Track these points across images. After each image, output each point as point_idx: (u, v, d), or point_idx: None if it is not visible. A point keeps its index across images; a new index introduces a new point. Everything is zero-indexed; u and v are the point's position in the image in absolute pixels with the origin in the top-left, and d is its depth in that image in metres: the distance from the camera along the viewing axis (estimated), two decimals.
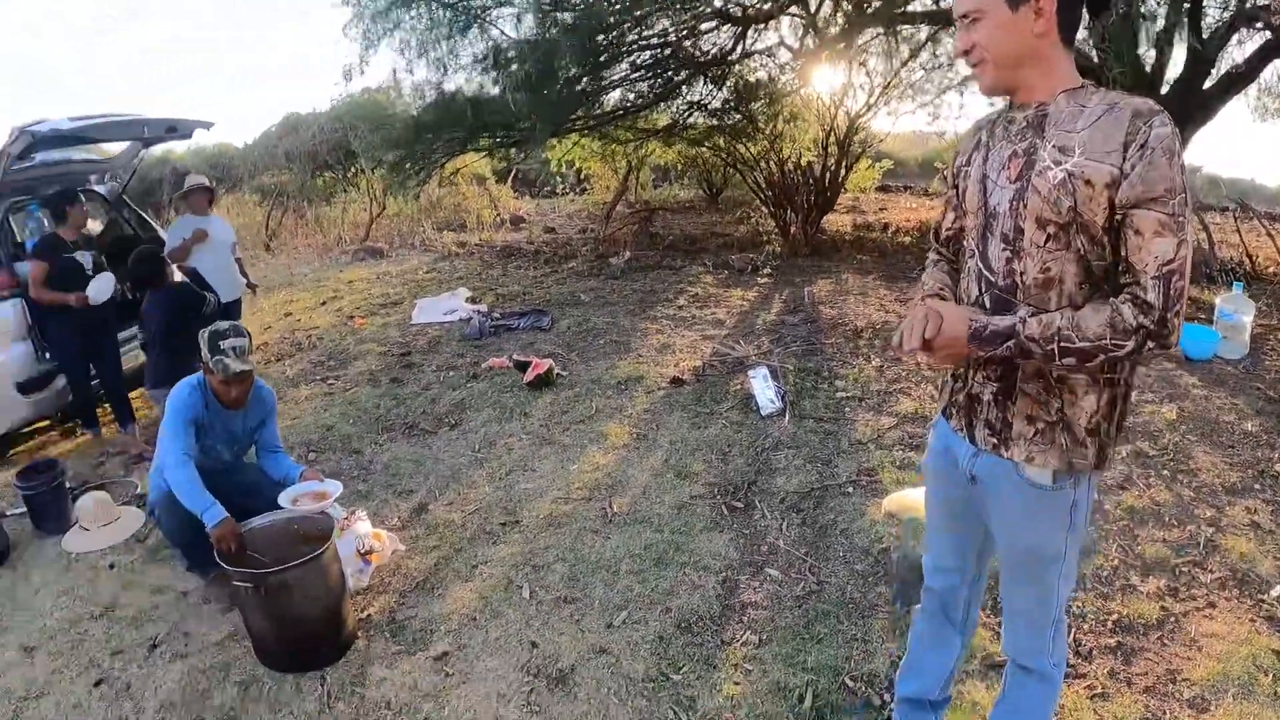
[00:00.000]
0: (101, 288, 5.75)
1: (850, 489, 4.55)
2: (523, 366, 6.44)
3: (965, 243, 2.11)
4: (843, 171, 11.27)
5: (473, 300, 9.01)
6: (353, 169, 17.07)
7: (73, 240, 5.78)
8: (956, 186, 2.20)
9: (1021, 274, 1.89)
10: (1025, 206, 1.86)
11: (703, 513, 4.41)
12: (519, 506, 4.59)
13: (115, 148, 7.25)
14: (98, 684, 3.54)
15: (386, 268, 11.89)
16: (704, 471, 4.85)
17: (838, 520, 4.23)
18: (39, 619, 4.09)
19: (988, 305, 1.98)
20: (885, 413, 5.48)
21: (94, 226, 6.71)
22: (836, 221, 12.81)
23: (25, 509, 4.97)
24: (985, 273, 1.99)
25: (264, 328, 8.99)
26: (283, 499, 3.74)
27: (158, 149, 7.17)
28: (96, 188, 7.19)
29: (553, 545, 4.17)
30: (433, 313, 8.60)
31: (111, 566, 4.45)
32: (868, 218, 13.44)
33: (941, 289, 2.19)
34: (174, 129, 6.47)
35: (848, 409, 5.59)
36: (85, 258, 5.80)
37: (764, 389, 5.63)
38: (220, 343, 3.67)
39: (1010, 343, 1.81)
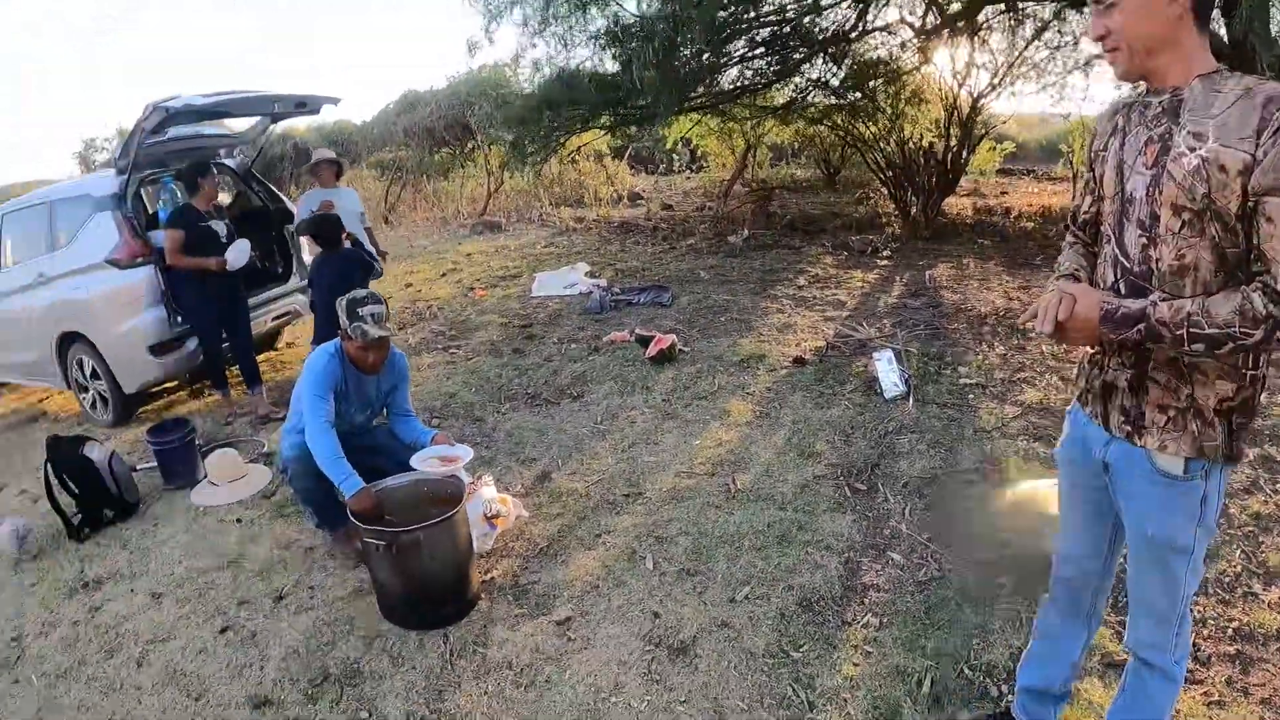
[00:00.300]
0: (239, 254, 5.99)
1: (974, 477, 4.40)
2: (645, 341, 6.45)
3: (1102, 228, 2.07)
4: (965, 153, 10.89)
5: (592, 275, 9.07)
6: (470, 145, 17.30)
7: (206, 210, 6.04)
8: (1094, 171, 2.14)
9: (1157, 260, 1.86)
10: (1160, 193, 1.82)
11: (826, 493, 4.34)
12: (642, 478, 4.60)
13: (243, 123, 7.52)
14: (223, 631, 3.72)
15: (504, 242, 12.07)
16: (827, 452, 4.77)
17: (961, 508, 4.07)
18: (167, 568, 4.33)
19: (1123, 290, 1.94)
20: (1009, 401, 5.27)
21: (224, 198, 6.98)
22: (957, 204, 12.45)
23: (156, 464, 5.26)
24: (1121, 258, 1.96)
25: (385, 298, 9.21)
26: (414, 461, 3.80)
27: (278, 126, 7.35)
28: (226, 161, 7.50)
29: (676, 518, 4.17)
30: (553, 286, 8.68)
31: (238, 521, 4.67)
32: (988, 201, 13.02)
33: (1076, 270, 2.17)
34: (303, 104, 6.70)
35: (971, 396, 5.41)
36: (219, 226, 6.07)
37: (888, 372, 5.52)
38: (359, 309, 3.72)
39: (1140, 326, 1.78)
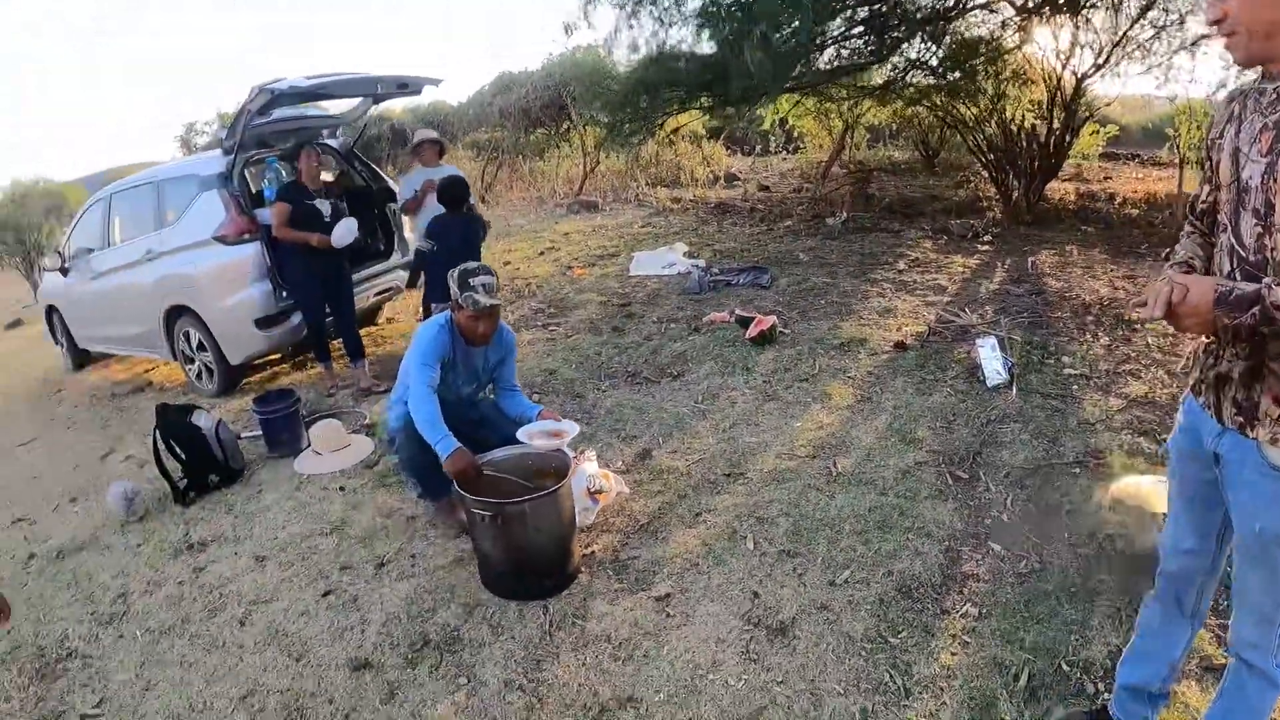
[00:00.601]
0: (346, 231, 6.17)
1: (1077, 470, 4.28)
2: (745, 322, 6.45)
3: (1218, 216, 2.02)
4: (1068, 136, 10.51)
5: (690, 255, 9.07)
6: (565, 125, 17.39)
7: (313, 189, 6.22)
8: (1210, 159, 2.08)
9: (1272, 249, 1.81)
10: (1275, 181, 1.77)
11: (927, 480, 4.30)
12: (742, 459, 4.63)
13: (345, 105, 7.70)
14: (325, 594, 3.87)
15: (601, 221, 12.15)
16: (928, 438, 4.72)
17: (1063, 501, 3.93)
18: (270, 532, 4.51)
19: (1238, 280, 1.88)
20: (1114, 394, 5.11)
21: (327, 177, 7.20)
22: (1059, 189, 12.04)
23: (261, 433, 5.49)
24: (1237, 247, 1.91)
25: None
26: (520, 435, 3.85)
27: (376, 108, 7.50)
28: (329, 141, 7.74)
29: (776, 499, 4.19)
30: (651, 265, 8.72)
31: (341, 489, 4.83)
32: (1091, 186, 12.57)
33: (1190, 259, 2.14)
34: (405, 85, 6.83)
35: (1075, 387, 5.26)
36: (324, 205, 6.25)
37: (991, 359, 5.42)
38: (470, 279, 3.79)
39: (1256, 309, 1.72)
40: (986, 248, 9.04)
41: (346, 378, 6.63)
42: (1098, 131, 13.14)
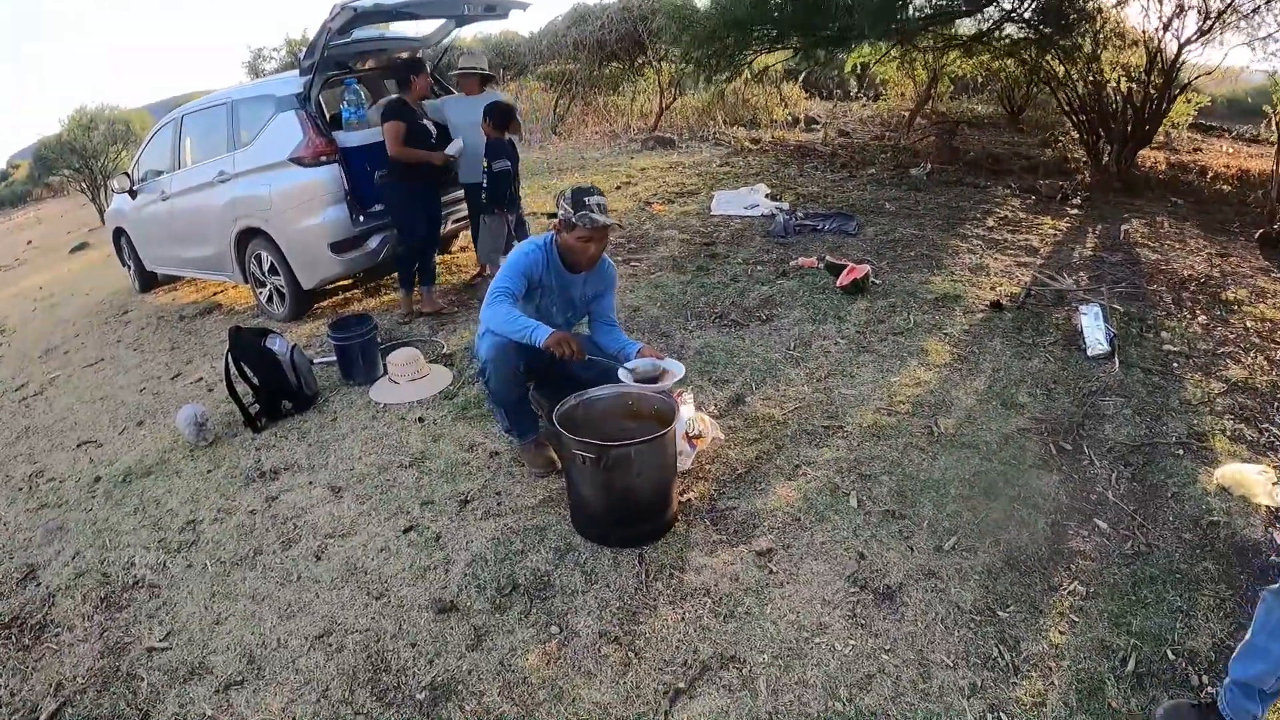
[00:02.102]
0: (456, 149, 5.92)
1: (1180, 451, 4.01)
2: (835, 269, 6.15)
3: None
4: (1164, 103, 9.88)
5: (772, 197, 8.73)
6: (640, 60, 16.90)
7: (416, 108, 5.94)
8: None
9: None
10: None
11: (1031, 448, 4.04)
12: (841, 411, 4.38)
13: (427, 27, 7.34)
14: (406, 531, 3.64)
15: (678, 158, 11.76)
16: (1029, 404, 4.45)
17: (1168, 482, 3.70)
18: (346, 463, 4.28)
19: None
20: (1214, 376, 4.79)
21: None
22: (1149, 157, 11.45)
23: (335, 359, 5.25)
24: None
25: (552, 212, 9.10)
26: (621, 374, 3.64)
27: (449, 35, 7.13)
28: None
29: (878, 456, 3.95)
30: (733, 205, 8.40)
31: (420, 420, 4.61)
32: (1181, 157, 11.95)
33: None
34: (493, 7, 6.46)
35: (1175, 365, 4.93)
36: (429, 125, 5.95)
37: (1094, 328, 5.09)
38: (585, 198, 3.54)
39: None
40: (1076, 211, 8.59)
41: (419, 302, 6.42)
42: (1189, 100, 12.39)
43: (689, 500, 3.70)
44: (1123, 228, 7.74)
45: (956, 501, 3.63)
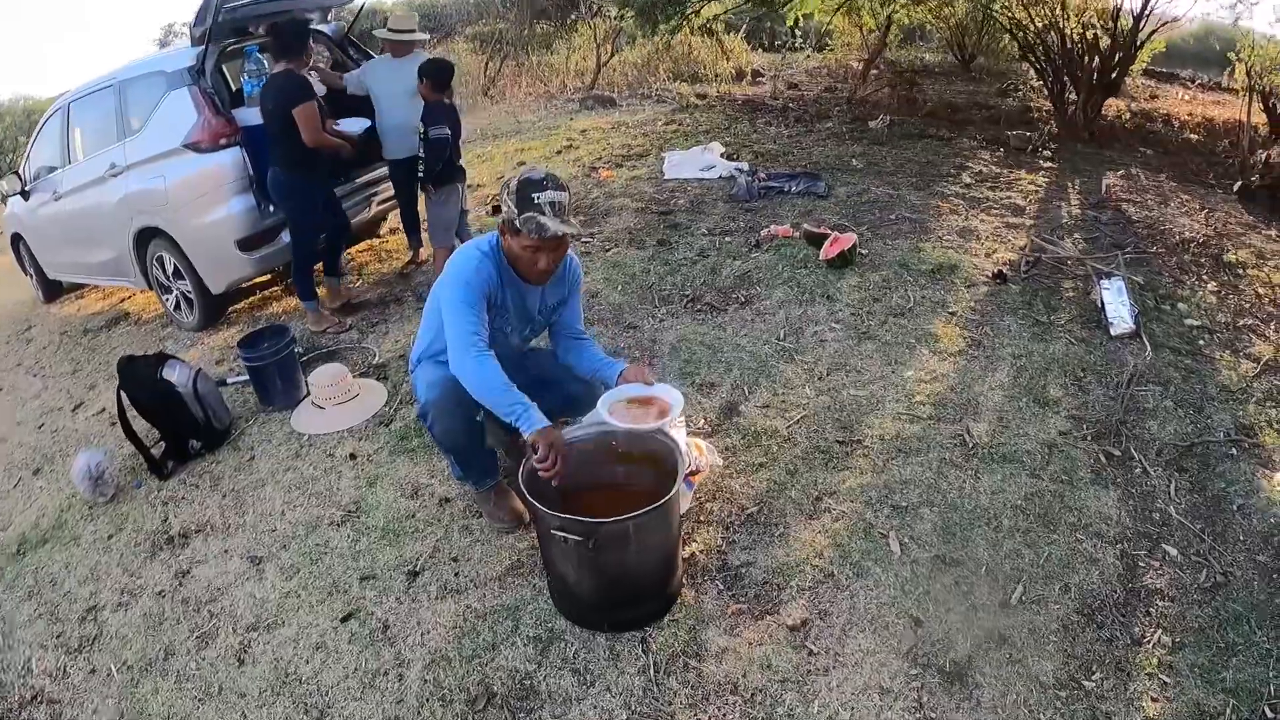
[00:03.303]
0: (360, 124, 4.99)
1: (1234, 451, 3.47)
2: (816, 239, 5.40)
3: None
4: (1133, 50, 9.28)
5: (729, 156, 7.93)
6: (573, 15, 15.84)
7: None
8: None
9: None
10: None
11: (1079, 458, 3.41)
12: (854, 419, 3.66)
13: None
14: (346, 619, 2.82)
15: (620, 118, 10.84)
16: (1063, 400, 3.81)
17: (1230, 492, 3.20)
18: (267, 521, 3.42)
19: None
20: (1242, 354, 4.27)
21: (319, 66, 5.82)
22: (1110, 105, 10.90)
23: (249, 379, 4.32)
24: None
25: (496, 177, 8.17)
26: (603, 407, 2.79)
27: None
28: (320, 28, 6.20)
29: (911, 480, 3.24)
30: (687, 167, 7.57)
31: (353, 457, 3.75)
32: (1141, 105, 11.44)
33: None
34: None
35: (1201, 341, 4.38)
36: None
37: (1118, 305, 4.47)
38: (535, 195, 2.57)
39: None
40: (1049, 164, 7.99)
41: (327, 299, 5.40)
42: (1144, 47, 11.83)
43: (693, 555, 2.92)
44: (1104, 183, 7.15)
45: (1012, 536, 2.96)
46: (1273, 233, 6.26)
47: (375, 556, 3.08)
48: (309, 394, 4.17)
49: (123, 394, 3.88)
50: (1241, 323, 4.63)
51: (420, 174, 5.07)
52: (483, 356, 2.59)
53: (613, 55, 14.55)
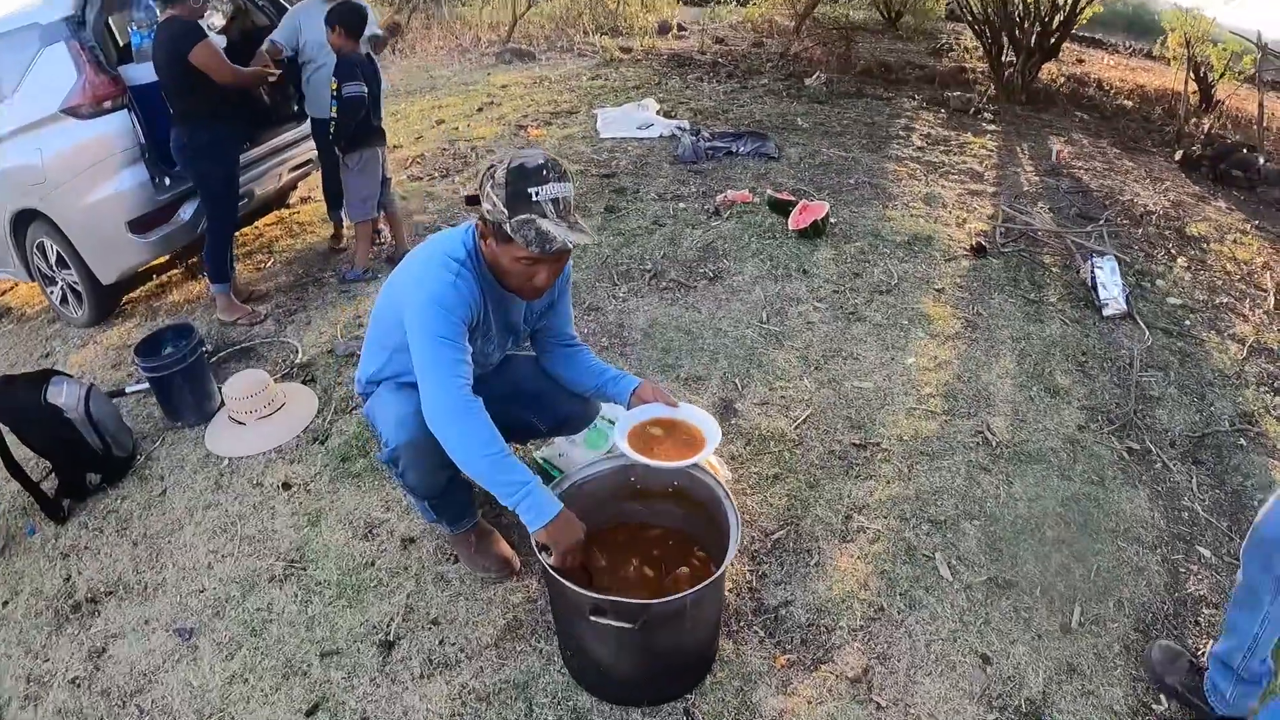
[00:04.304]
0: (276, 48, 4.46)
1: (1242, 441, 3.39)
2: (781, 207, 5.09)
3: None
4: (1073, 13, 9.23)
5: (666, 114, 7.53)
6: None
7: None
8: None
9: None
10: None
11: (1104, 455, 3.25)
12: (865, 416, 3.37)
13: None
14: (312, 712, 2.24)
15: (541, 72, 10.27)
16: (1072, 389, 3.64)
17: (1248, 485, 3.12)
18: (191, 576, 2.78)
19: None
20: (1227, 335, 4.22)
21: (216, 20, 5.11)
22: (1046, 71, 10.91)
23: (151, 388, 3.67)
24: None
25: (415, 137, 7.56)
26: (621, 437, 2.26)
27: None
28: None
29: (942, 487, 2.99)
30: (622, 126, 7.16)
31: (286, 486, 3.14)
32: (1071, 69, 11.51)
33: None
34: None
35: (1187, 322, 4.31)
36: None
37: (1111, 285, 4.33)
38: (532, 190, 1.93)
39: None
40: (993, 127, 7.90)
41: (254, 283, 4.78)
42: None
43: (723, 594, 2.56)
44: (1054, 149, 7.10)
45: (1058, 549, 2.76)
46: (1222, 205, 6.31)
47: (334, 623, 2.50)
48: (224, 405, 3.58)
49: (1, 426, 3.19)
50: (1219, 301, 4.59)
51: (332, 137, 4.49)
52: (469, 411, 2.01)
53: (529, 7, 13.86)
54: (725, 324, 4.02)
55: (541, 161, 1.96)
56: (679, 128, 6.93)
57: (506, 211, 1.94)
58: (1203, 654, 2.36)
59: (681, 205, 5.42)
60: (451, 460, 2.05)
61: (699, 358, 3.75)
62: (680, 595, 1.91)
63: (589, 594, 1.90)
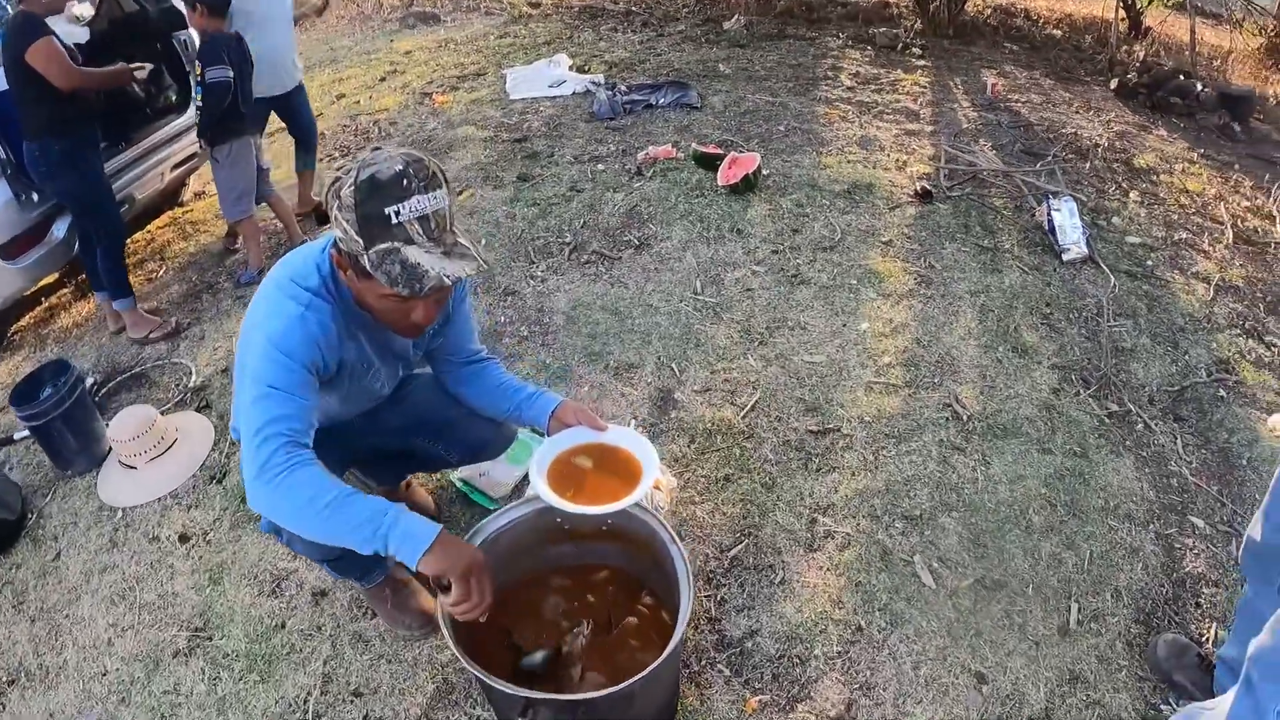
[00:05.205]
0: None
1: (1222, 393, 3.24)
2: (705, 160, 4.74)
3: None
4: None
5: (580, 69, 7.10)
6: None
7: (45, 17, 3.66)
8: None
9: None
10: None
11: (1083, 421, 3.04)
12: (821, 398, 3.07)
13: None
14: None
15: (446, 34, 9.69)
16: (1041, 346, 3.41)
17: (1232, 443, 2.98)
18: (94, 658, 2.38)
19: None
20: (1189, 274, 4.04)
21: (82, 10, 4.49)
22: (969, 1, 10.69)
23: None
24: None
25: (314, 115, 6.98)
26: (538, 474, 1.84)
27: None
28: None
29: (914, 476, 2.72)
30: (534, 85, 6.71)
31: (184, 539, 2.73)
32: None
33: None
34: None
35: (1149, 262, 4.12)
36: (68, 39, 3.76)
37: (1072, 228, 4.10)
38: (391, 209, 1.50)
39: None
40: (923, 63, 7.63)
41: (145, 296, 4.20)
42: None
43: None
44: (988, 83, 6.85)
45: (1047, 537, 2.54)
46: (1164, 133, 6.18)
47: (247, 704, 2.16)
48: (112, 449, 3.08)
49: None
50: (1177, 237, 4.42)
51: (197, 129, 3.99)
52: (289, 468, 1.55)
53: None
54: (656, 299, 3.66)
55: (399, 168, 1.50)
56: (594, 83, 6.51)
57: (361, 241, 1.51)
58: (1207, 639, 2.23)
59: (600, 167, 5.03)
60: None
61: (629, 341, 3.40)
62: (628, 684, 1.55)
63: (514, 691, 1.54)
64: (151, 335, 3.87)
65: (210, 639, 2.34)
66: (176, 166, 4.67)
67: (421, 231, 1.52)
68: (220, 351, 3.67)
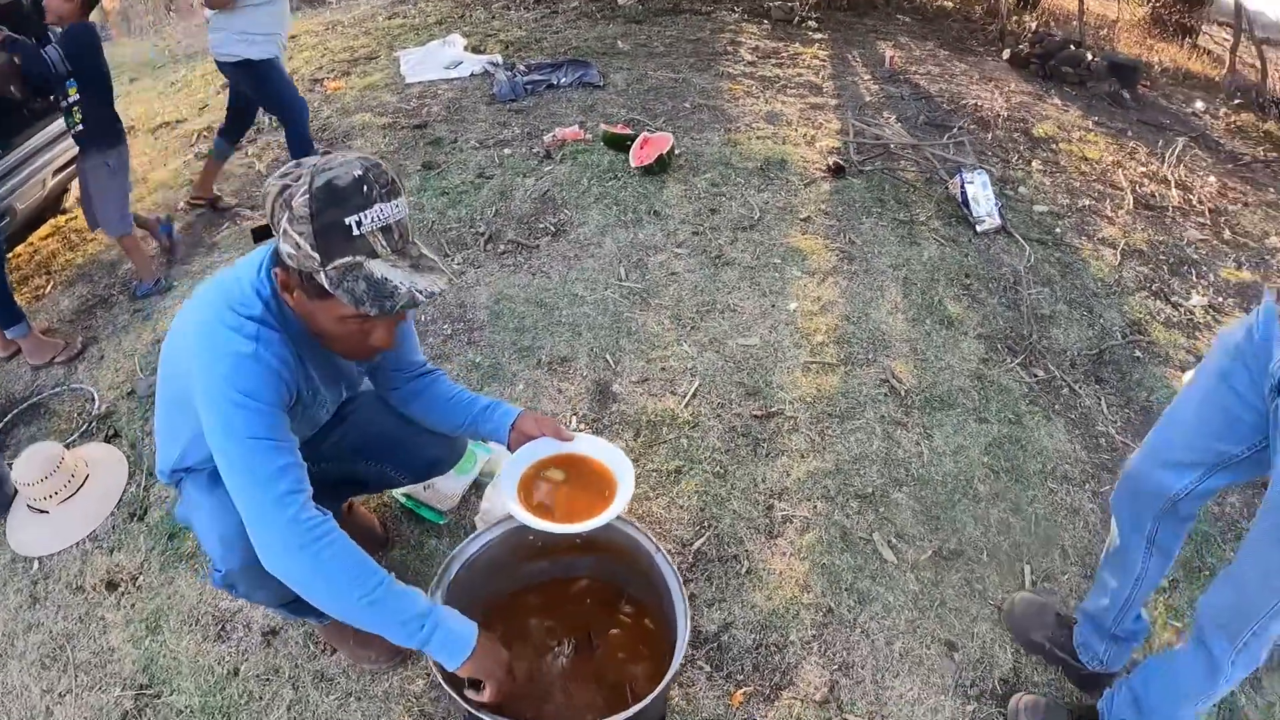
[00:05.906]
0: None
1: (1138, 354, 3.43)
2: (615, 140, 4.72)
3: None
4: None
5: (476, 50, 6.97)
6: None
7: None
8: None
9: None
10: None
11: (1013, 389, 3.17)
12: (760, 382, 3.10)
13: None
14: None
15: (333, 16, 9.37)
16: (965, 317, 3.53)
17: (1153, 400, 3.15)
18: None
19: None
20: (1096, 240, 4.25)
21: None
22: None
23: None
24: None
25: (200, 107, 6.65)
26: (508, 495, 1.78)
27: None
28: None
29: (861, 454, 2.78)
30: (429, 68, 6.56)
31: (112, 586, 2.50)
32: None
33: None
34: None
35: (1057, 229, 4.31)
36: None
37: (985, 200, 4.22)
38: (353, 219, 1.39)
39: None
40: (820, 35, 7.77)
41: (32, 315, 3.86)
42: None
43: None
44: (885, 55, 7.00)
45: (994, 504, 2.66)
46: (1058, 102, 6.44)
47: None
48: (17, 492, 2.85)
49: None
50: (1081, 204, 4.63)
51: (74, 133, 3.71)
52: (319, 541, 1.47)
53: None
54: (580, 288, 3.63)
55: (359, 173, 1.39)
56: (491, 63, 6.41)
57: (318, 256, 1.39)
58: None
59: (507, 151, 4.95)
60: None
61: (559, 334, 3.35)
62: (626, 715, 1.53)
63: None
64: (56, 360, 3.58)
65: (159, 696, 2.17)
66: (58, 171, 4.37)
67: (385, 244, 1.42)
68: (123, 373, 3.41)
